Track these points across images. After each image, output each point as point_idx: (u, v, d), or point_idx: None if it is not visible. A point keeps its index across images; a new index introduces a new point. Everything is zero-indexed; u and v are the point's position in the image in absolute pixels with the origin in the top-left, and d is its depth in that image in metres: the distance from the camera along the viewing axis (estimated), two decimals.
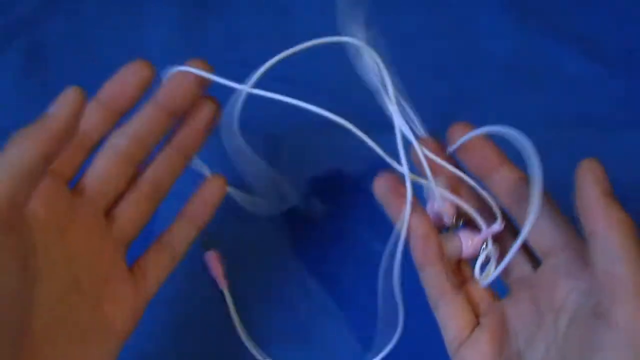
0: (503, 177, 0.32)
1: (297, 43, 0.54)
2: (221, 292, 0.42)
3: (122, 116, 0.32)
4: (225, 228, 0.44)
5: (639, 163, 0.47)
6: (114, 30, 0.54)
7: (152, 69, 0.31)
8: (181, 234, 0.34)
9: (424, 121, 0.48)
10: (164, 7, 0.55)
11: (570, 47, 0.53)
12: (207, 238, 0.43)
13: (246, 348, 0.40)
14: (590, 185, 0.29)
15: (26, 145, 0.25)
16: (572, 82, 0.51)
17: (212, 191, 0.34)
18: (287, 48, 0.54)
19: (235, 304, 0.41)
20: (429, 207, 0.34)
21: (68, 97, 0.28)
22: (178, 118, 0.33)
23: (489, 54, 0.53)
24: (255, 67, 0.53)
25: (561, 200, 0.46)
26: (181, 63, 0.53)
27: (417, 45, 0.53)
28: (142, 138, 0.32)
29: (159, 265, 0.33)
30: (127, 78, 0.32)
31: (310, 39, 0.54)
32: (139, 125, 0.32)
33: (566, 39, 0.53)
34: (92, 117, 0.31)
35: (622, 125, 0.49)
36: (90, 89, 0.50)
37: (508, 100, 0.50)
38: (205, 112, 0.33)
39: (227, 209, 0.44)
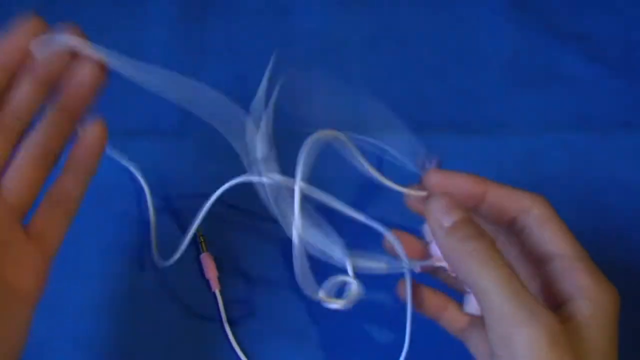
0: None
1: (297, 43, 0.54)
2: (214, 294, 0.42)
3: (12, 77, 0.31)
4: (222, 233, 0.44)
5: (639, 163, 0.47)
6: (114, 31, 0.54)
7: (44, 27, 0.32)
8: (69, 186, 0.32)
9: (424, 121, 0.49)
10: (164, 7, 0.55)
11: (570, 47, 0.53)
12: (203, 239, 0.43)
13: (233, 348, 0.40)
14: (433, 229, 0.30)
15: None
16: (572, 82, 0.51)
17: (93, 138, 0.33)
18: (287, 48, 0.54)
19: (226, 306, 0.41)
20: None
21: None
22: (58, 83, 0.32)
23: (489, 54, 0.53)
24: (256, 67, 0.53)
25: (561, 200, 0.46)
26: (181, 62, 0.53)
27: (417, 45, 0.53)
28: (22, 111, 0.31)
29: (54, 223, 0.31)
30: (20, 40, 0.31)
31: (310, 38, 0.54)
32: (18, 99, 0.30)
33: (566, 39, 0.53)
34: None
35: (622, 125, 0.49)
36: None
37: (508, 100, 0.50)
38: (86, 71, 0.32)
39: (225, 215, 0.44)
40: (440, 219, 0.30)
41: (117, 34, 0.54)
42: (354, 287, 0.31)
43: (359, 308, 0.42)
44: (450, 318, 0.34)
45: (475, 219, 0.30)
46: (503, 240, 0.33)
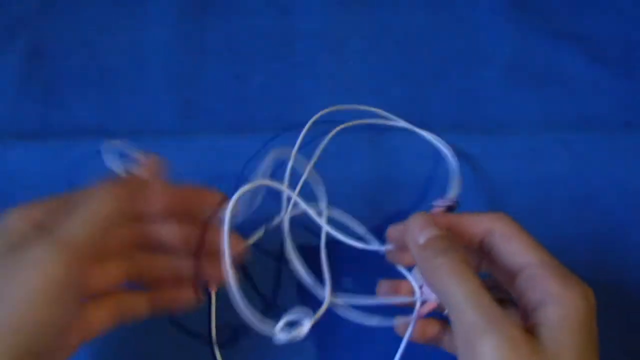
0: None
1: (297, 43, 0.54)
2: (209, 294, 0.41)
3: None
4: None
5: (639, 163, 0.47)
6: (114, 30, 0.54)
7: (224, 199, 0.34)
8: (141, 308, 0.35)
9: (424, 121, 0.49)
10: (164, 7, 0.55)
11: (570, 47, 0.53)
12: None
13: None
14: (411, 246, 0.32)
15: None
16: (572, 82, 0.51)
17: (185, 299, 0.35)
18: (287, 48, 0.54)
19: (218, 309, 0.41)
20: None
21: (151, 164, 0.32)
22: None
23: (489, 54, 0.53)
24: (256, 66, 0.53)
25: (561, 200, 0.46)
26: (181, 62, 0.53)
27: (417, 45, 0.54)
28: (160, 238, 0.34)
29: (106, 322, 0.33)
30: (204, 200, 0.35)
31: (310, 38, 0.54)
32: (166, 231, 0.34)
33: (566, 39, 0.53)
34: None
35: (622, 125, 0.49)
36: (89, 88, 0.51)
37: (508, 100, 0.50)
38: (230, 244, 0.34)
39: None
40: (416, 236, 0.32)
41: (117, 34, 0.54)
42: (304, 327, 0.33)
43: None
44: (449, 340, 0.35)
45: (449, 236, 0.31)
46: (487, 262, 0.34)
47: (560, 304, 0.28)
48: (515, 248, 0.31)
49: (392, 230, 0.35)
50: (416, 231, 0.32)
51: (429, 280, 0.31)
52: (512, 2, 0.55)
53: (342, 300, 0.35)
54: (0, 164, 0.46)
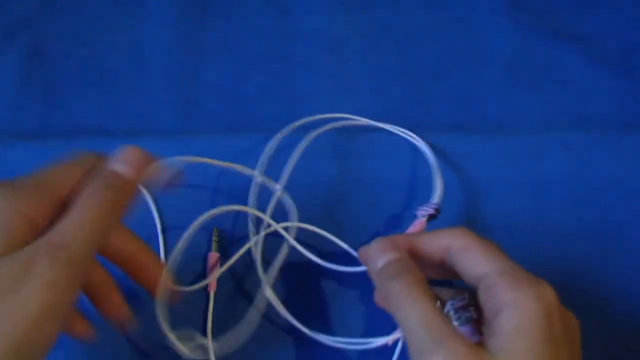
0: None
1: (297, 43, 0.54)
2: (207, 294, 0.41)
3: None
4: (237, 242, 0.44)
5: (639, 163, 0.47)
6: (113, 30, 0.54)
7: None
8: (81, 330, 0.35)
9: (424, 121, 0.49)
10: (164, 7, 0.55)
11: (570, 47, 0.53)
12: (217, 239, 0.43)
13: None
14: (370, 272, 0.32)
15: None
16: (572, 82, 0.51)
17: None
18: (287, 48, 0.54)
19: (215, 309, 0.41)
20: None
21: (133, 156, 0.31)
22: None
23: (488, 54, 0.53)
24: (256, 66, 0.53)
25: (561, 200, 0.46)
26: (181, 62, 0.53)
27: (417, 45, 0.53)
28: None
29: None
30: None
31: (310, 38, 0.54)
32: None
33: (566, 39, 0.53)
34: None
35: (622, 125, 0.49)
36: (89, 88, 0.51)
37: (508, 100, 0.50)
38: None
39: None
40: (375, 262, 0.32)
41: (117, 34, 0.54)
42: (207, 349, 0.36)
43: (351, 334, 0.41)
44: None
45: (404, 258, 0.32)
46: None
47: (512, 310, 0.28)
48: (473, 260, 0.31)
49: (362, 253, 0.35)
50: (375, 257, 0.32)
51: (387, 305, 0.31)
52: (512, 2, 0.55)
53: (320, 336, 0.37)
54: (0, 164, 0.46)
